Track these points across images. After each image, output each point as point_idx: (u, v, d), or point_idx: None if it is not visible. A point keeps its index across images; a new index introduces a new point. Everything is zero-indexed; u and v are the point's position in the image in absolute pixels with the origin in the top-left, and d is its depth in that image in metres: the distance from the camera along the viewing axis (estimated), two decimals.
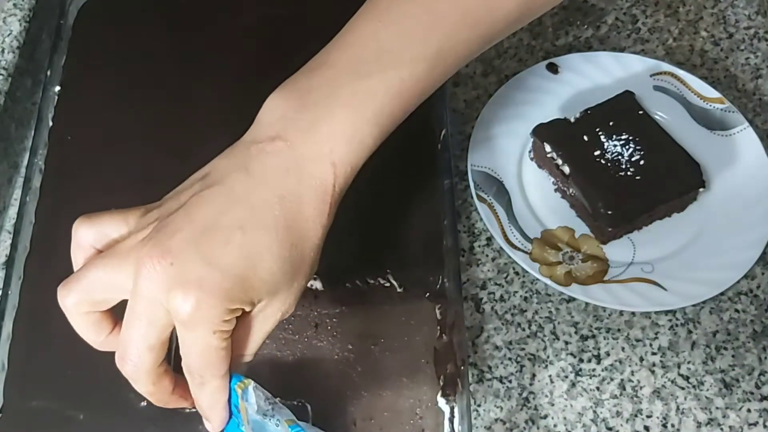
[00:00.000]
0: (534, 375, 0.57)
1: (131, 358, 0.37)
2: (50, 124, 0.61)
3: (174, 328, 0.38)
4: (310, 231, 0.39)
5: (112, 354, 0.52)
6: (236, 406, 0.41)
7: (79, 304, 0.39)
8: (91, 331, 0.40)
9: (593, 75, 0.68)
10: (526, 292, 0.60)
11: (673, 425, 0.55)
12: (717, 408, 0.56)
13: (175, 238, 0.36)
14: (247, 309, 0.38)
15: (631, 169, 0.60)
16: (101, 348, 0.41)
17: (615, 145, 0.61)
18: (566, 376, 0.57)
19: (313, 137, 0.39)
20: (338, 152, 0.39)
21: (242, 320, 0.38)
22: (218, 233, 0.36)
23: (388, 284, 0.55)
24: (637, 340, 0.58)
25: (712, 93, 0.66)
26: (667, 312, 0.59)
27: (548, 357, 0.58)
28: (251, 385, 0.40)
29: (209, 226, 0.36)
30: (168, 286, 0.35)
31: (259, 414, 0.40)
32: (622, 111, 0.63)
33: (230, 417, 0.42)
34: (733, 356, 0.58)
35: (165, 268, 0.35)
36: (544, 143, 0.62)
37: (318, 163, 0.39)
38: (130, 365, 0.38)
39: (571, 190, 0.62)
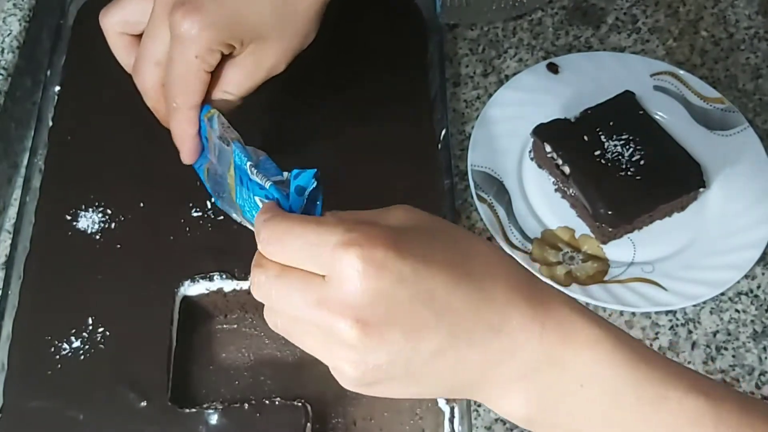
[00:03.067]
0: None
1: (141, 71, 0.46)
2: (50, 124, 0.61)
3: None
4: None
5: (111, 354, 0.52)
6: (206, 138, 0.46)
7: (116, 24, 0.47)
8: (123, 52, 0.48)
9: (593, 75, 0.68)
10: None
11: None
12: None
13: None
14: (236, 46, 0.43)
15: (632, 169, 0.60)
16: (128, 69, 0.48)
17: (615, 145, 0.61)
18: None
19: None
20: None
21: (231, 61, 0.45)
22: None
23: None
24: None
25: (713, 93, 0.66)
26: (667, 312, 0.59)
27: None
28: (215, 113, 0.44)
29: None
30: (173, 4, 0.42)
31: (219, 139, 0.43)
32: (622, 111, 0.63)
33: (202, 151, 0.47)
34: (733, 356, 0.58)
35: None
36: (545, 143, 0.62)
37: None
38: (140, 78, 0.46)
39: (571, 190, 0.62)
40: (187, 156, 0.48)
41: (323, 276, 0.31)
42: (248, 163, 0.38)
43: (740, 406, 0.33)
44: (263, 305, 0.56)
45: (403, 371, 0.32)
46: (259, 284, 0.34)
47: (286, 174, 0.37)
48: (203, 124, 0.45)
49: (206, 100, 0.45)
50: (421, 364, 0.31)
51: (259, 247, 0.34)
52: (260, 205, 0.37)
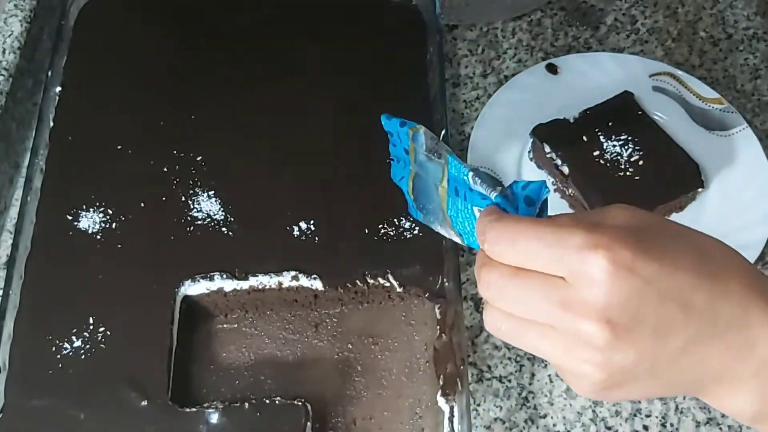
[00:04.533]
0: (533, 374, 0.57)
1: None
2: (51, 124, 0.61)
3: None
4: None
5: (112, 354, 0.52)
6: (406, 150, 0.45)
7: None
8: None
9: (592, 75, 0.68)
10: None
11: (672, 424, 0.55)
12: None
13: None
14: None
15: (630, 170, 0.60)
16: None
17: (614, 146, 0.61)
18: None
19: None
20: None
21: None
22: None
23: (388, 284, 0.55)
24: None
25: (711, 93, 0.67)
26: None
27: None
28: (422, 129, 0.43)
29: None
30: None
31: (426, 153, 0.43)
32: (621, 111, 0.63)
33: (400, 158, 0.47)
34: None
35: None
36: (544, 143, 0.62)
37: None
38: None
39: (570, 190, 0.62)
40: None
41: (562, 278, 0.31)
42: (470, 174, 0.38)
43: None
44: (263, 305, 0.56)
45: (647, 371, 0.32)
46: (490, 283, 0.34)
47: (503, 185, 0.37)
48: (404, 137, 0.45)
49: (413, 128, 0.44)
50: (666, 362, 0.32)
51: (485, 247, 0.34)
52: (477, 215, 0.37)
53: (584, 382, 0.33)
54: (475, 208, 0.38)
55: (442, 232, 0.44)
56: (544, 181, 0.36)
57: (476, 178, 0.38)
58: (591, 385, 0.33)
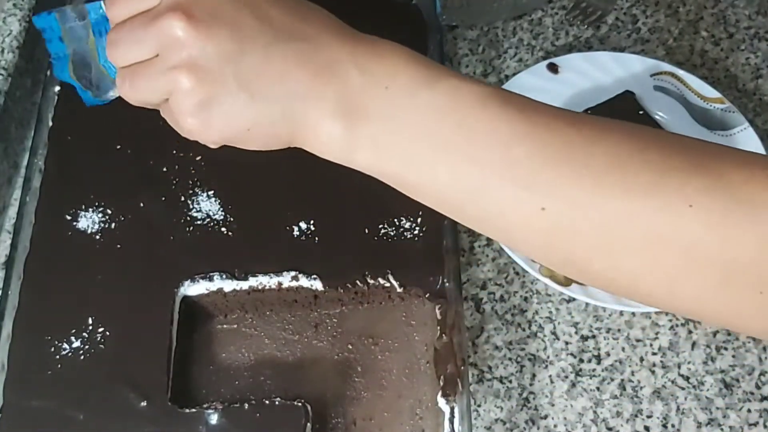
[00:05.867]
0: (534, 375, 0.57)
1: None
2: (50, 124, 0.61)
3: None
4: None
5: (111, 354, 0.52)
6: (60, 38, 0.43)
7: None
8: None
9: (593, 75, 0.68)
10: (526, 292, 0.60)
11: (673, 425, 0.55)
12: (717, 408, 0.56)
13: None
14: None
15: None
16: None
17: None
18: (566, 377, 0.57)
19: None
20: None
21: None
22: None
23: (388, 284, 0.55)
24: (638, 341, 0.58)
25: (713, 93, 0.66)
26: (667, 312, 0.59)
27: (548, 357, 0.58)
28: (67, 7, 0.42)
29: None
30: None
31: (74, 23, 0.42)
32: (622, 111, 0.63)
33: (58, 59, 0.44)
34: (733, 356, 0.58)
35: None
36: None
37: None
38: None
39: None
40: None
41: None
42: (102, 8, 0.40)
43: (524, 97, 0.37)
44: (263, 305, 0.56)
45: (233, 80, 0.34)
46: (111, 43, 0.36)
47: None
48: (55, 25, 0.44)
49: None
50: (249, 70, 0.34)
51: (110, 18, 0.37)
52: None
53: (181, 99, 0.34)
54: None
55: (112, 94, 0.43)
56: None
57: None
58: (188, 101, 0.34)
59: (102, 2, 0.40)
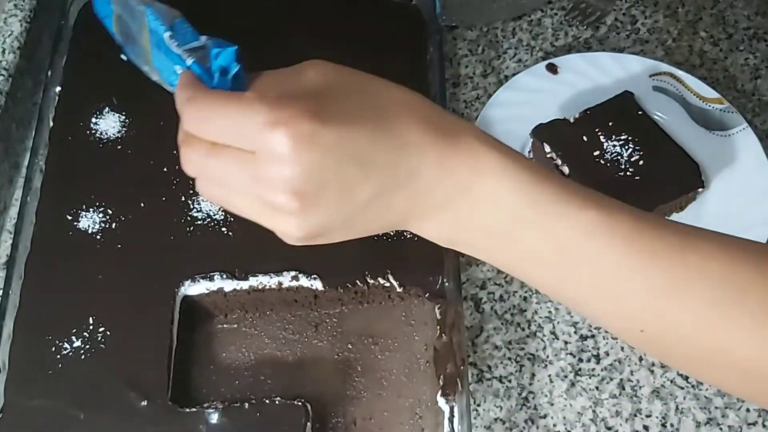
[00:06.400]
0: (533, 375, 0.57)
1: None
2: (51, 124, 0.61)
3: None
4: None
5: (112, 354, 0.52)
6: None
7: None
8: None
9: (593, 75, 0.68)
10: (525, 291, 0.60)
11: (672, 425, 0.55)
12: (716, 407, 0.56)
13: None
14: None
15: (631, 170, 0.60)
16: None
17: (614, 146, 0.61)
18: (566, 376, 0.57)
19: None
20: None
21: None
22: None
23: (388, 284, 0.55)
24: None
25: (711, 93, 0.67)
26: None
27: (548, 357, 0.58)
28: None
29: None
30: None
31: None
32: (621, 111, 0.63)
33: None
34: None
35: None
36: (544, 143, 0.62)
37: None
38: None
39: None
40: None
41: (253, 152, 0.33)
42: (166, 33, 0.38)
43: (632, 215, 0.37)
44: (263, 305, 0.56)
45: (341, 223, 0.35)
46: (189, 161, 0.36)
47: (203, 38, 0.37)
48: None
49: None
50: (356, 214, 0.35)
51: (184, 126, 0.35)
52: (179, 73, 0.38)
53: (288, 238, 0.36)
54: (177, 67, 0.38)
55: (156, 80, 0.42)
56: (236, 49, 0.36)
57: (171, 40, 0.37)
58: (295, 239, 0.35)
59: (163, 25, 0.38)
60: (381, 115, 0.34)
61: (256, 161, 0.33)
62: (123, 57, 0.44)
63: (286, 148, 0.32)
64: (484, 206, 0.36)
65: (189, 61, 0.36)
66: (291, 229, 0.35)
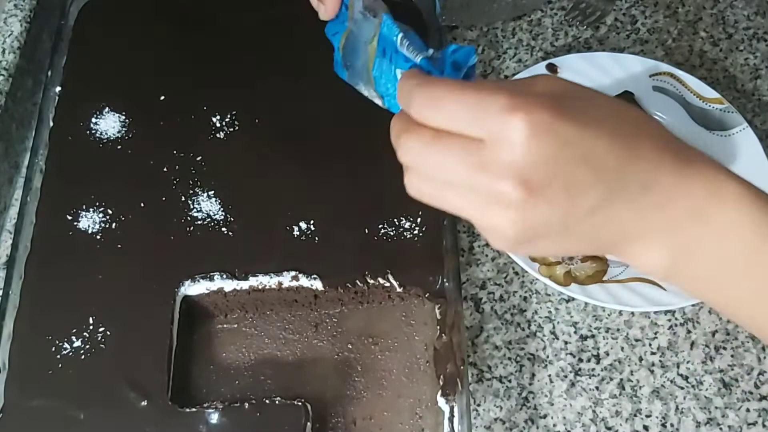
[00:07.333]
0: (533, 375, 0.57)
1: None
2: (51, 124, 0.61)
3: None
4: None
5: (112, 354, 0.52)
6: (346, 5, 0.45)
7: None
8: None
9: (592, 75, 0.68)
10: (525, 291, 0.60)
11: (672, 425, 0.55)
12: (716, 407, 0.56)
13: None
14: None
15: None
16: None
17: None
18: (565, 376, 0.57)
19: None
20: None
21: None
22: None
23: (387, 284, 0.55)
24: (637, 340, 0.58)
25: (711, 93, 0.67)
26: (666, 312, 0.59)
27: (548, 357, 0.58)
28: None
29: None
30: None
31: (363, 10, 0.43)
32: None
33: (339, 17, 0.46)
34: (732, 356, 0.58)
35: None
36: None
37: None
38: None
39: None
40: (326, 12, 0.47)
41: (481, 139, 0.32)
42: (399, 35, 0.39)
43: None
44: (263, 305, 0.56)
45: (559, 229, 0.33)
46: (409, 149, 0.34)
47: (431, 50, 0.38)
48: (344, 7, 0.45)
49: None
50: (577, 220, 0.33)
51: (411, 111, 0.34)
52: (399, 77, 0.38)
53: (499, 237, 0.34)
54: (398, 71, 0.38)
55: (365, 93, 0.44)
56: (474, 48, 0.37)
57: (405, 41, 0.38)
58: (505, 239, 0.34)
59: (397, 30, 0.39)
60: (618, 126, 0.33)
61: (484, 148, 0.32)
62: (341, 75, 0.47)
63: (523, 135, 0.31)
64: (720, 234, 0.33)
65: (418, 59, 0.37)
66: (505, 225, 0.33)
